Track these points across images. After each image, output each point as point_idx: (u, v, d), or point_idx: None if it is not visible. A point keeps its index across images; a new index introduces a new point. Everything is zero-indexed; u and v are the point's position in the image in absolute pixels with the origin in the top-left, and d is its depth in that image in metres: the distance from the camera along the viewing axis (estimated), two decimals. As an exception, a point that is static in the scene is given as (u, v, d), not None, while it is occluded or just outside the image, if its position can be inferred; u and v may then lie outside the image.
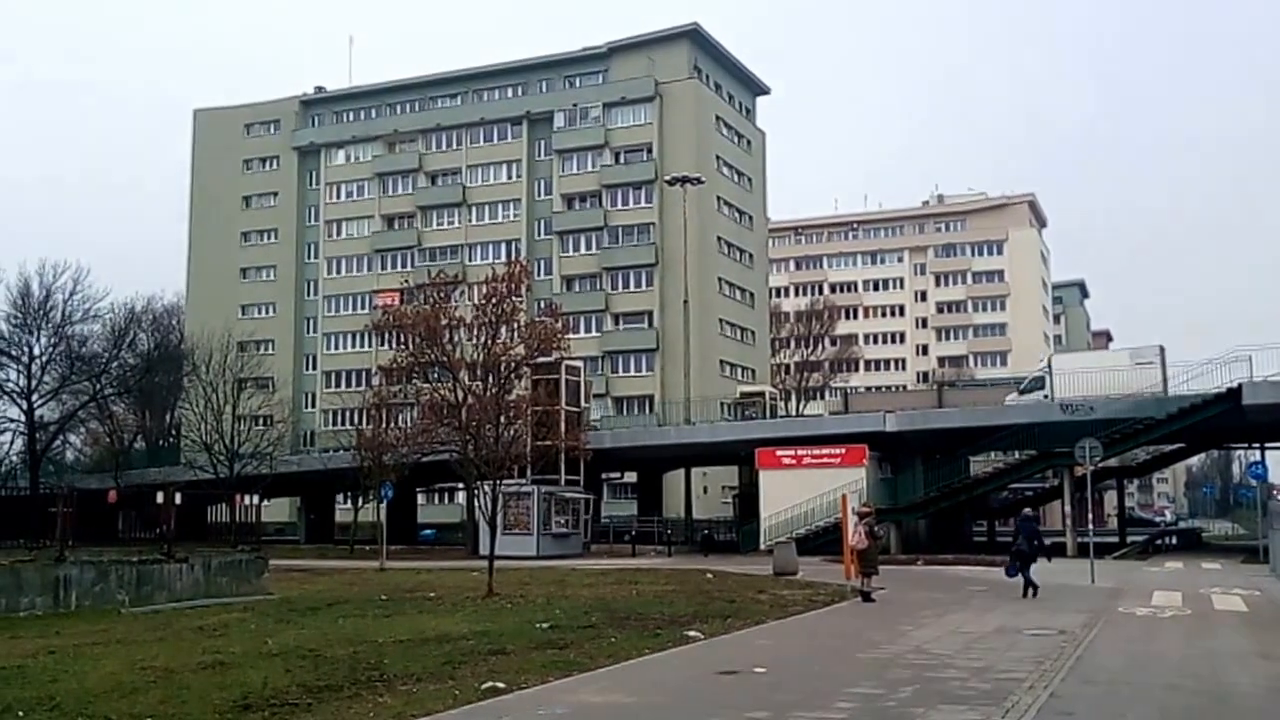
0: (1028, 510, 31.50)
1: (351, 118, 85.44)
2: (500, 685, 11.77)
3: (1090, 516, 33.20)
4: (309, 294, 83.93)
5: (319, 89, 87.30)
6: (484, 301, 42.01)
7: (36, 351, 57.96)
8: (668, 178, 63.63)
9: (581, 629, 17.01)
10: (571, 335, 51.83)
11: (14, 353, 57.98)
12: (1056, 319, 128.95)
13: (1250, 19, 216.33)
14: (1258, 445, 54.12)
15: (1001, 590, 24.75)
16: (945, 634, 16.45)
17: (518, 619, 18.66)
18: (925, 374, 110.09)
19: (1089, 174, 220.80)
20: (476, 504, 42.35)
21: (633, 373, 72.92)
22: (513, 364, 42.09)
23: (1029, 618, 18.61)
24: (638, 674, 12.89)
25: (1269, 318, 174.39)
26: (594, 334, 72.33)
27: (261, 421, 59.17)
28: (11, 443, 63.13)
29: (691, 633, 16.42)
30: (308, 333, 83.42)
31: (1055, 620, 18.04)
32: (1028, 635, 16.09)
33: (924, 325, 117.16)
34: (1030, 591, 22.61)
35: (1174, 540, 57.17)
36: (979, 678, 12.07)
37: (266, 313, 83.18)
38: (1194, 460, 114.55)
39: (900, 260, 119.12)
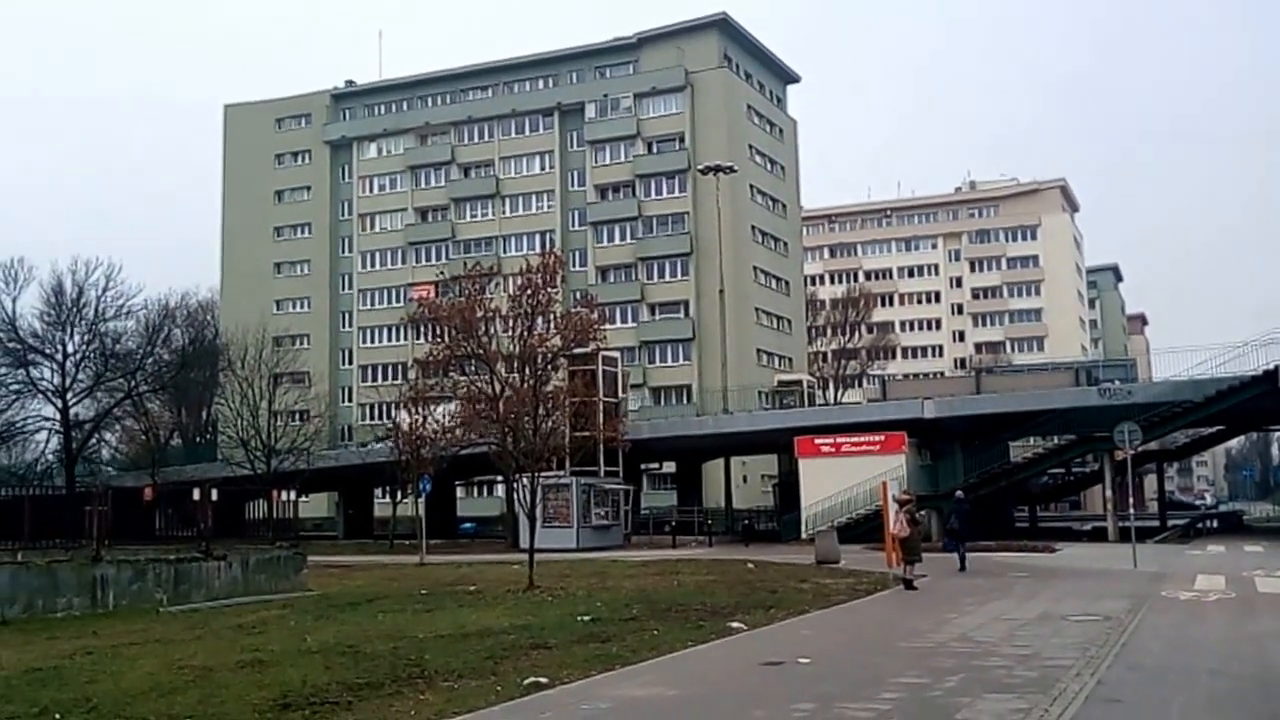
0: (960, 494, 33.59)
1: (382, 111, 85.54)
2: (543, 680, 11.69)
3: (1130, 501, 32.92)
4: (343, 288, 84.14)
5: (349, 83, 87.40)
6: (519, 293, 42.13)
7: (70, 349, 57.72)
8: (701, 166, 63.44)
9: (623, 621, 16.92)
10: (608, 326, 51.82)
11: (48, 351, 57.87)
12: (1091, 304, 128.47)
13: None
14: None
15: (1044, 576, 24.66)
16: (989, 621, 16.30)
17: (559, 612, 18.58)
18: (962, 360, 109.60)
19: (1119, 158, 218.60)
20: (515, 497, 42.61)
21: (670, 363, 72.81)
22: (549, 355, 42.17)
23: (1071, 604, 18.41)
24: (681, 666, 12.78)
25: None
26: (630, 324, 72.26)
27: (298, 417, 59.25)
28: (47, 441, 63.16)
29: (734, 624, 16.30)
30: (343, 327, 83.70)
31: (1099, 606, 17.86)
32: (1072, 621, 15.93)
33: (960, 311, 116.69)
34: (961, 566, 26.25)
35: (1215, 523, 56.53)
36: (1025, 665, 11.93)
37: (301, 307, 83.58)
38: (1233, 443, 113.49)
39: (934, 247, 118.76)
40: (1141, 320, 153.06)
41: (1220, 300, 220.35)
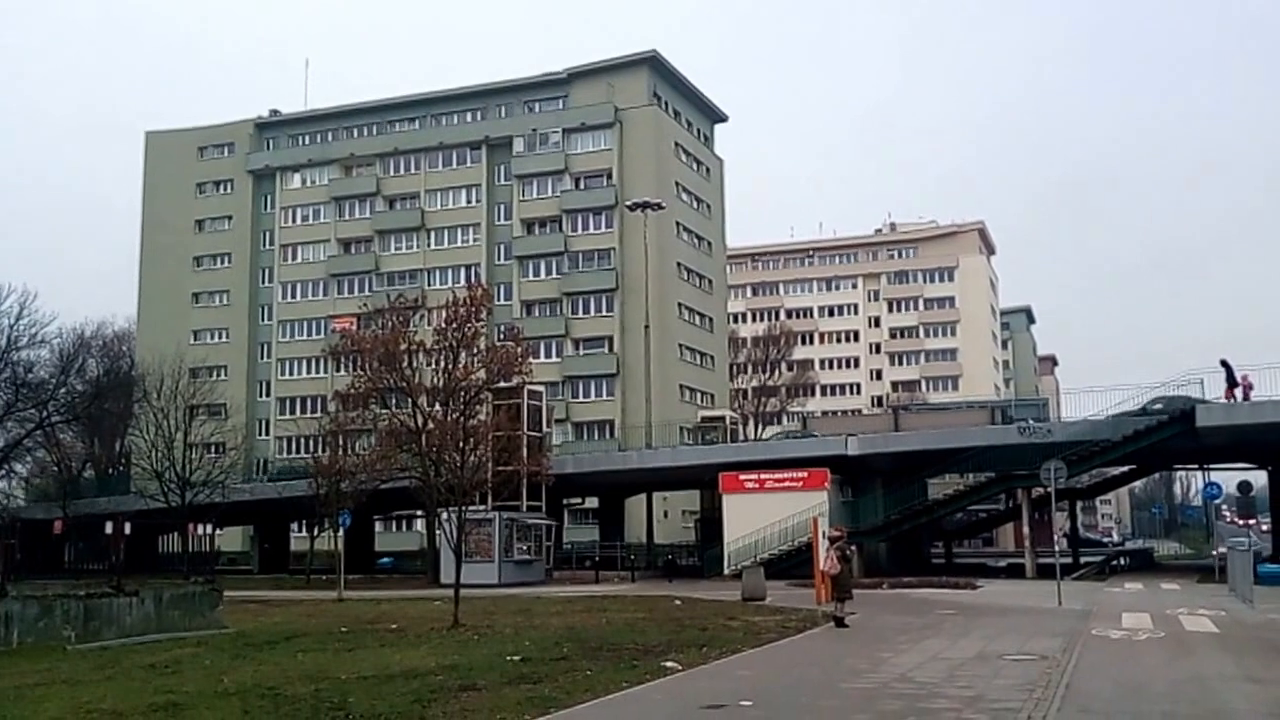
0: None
1: (307, 141, 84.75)
2: (475, 725, 11.34)
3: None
4: (263, 319, 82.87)
5: (274, 112, 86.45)
6: (444, 326, 41.74)
7: (-21, 378, 56.16)
8: (629, 203, 63.53)
9: (554, 661, 16.51)
10: (532, 360, 51.46)
11: (-45, 380, 56.17)
12: (1004, 344, 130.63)
13: (1194, 52, 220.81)
14: (1195, 466, 54.90)
15: (971, 613, 24.70)
16: (926, 660, 16.14)
17: (487, 651, 18.13)
18: (879, 398, 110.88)
19: (1034, 202, 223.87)
20: (438, 531, 42.02)
21: (593, 398, 72.54)
22: (474, 389, 41.80)
23: (1005, 642, 18.38)
24: (620, 710, 12.42)
25: (1212, 343, 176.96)
26: (554, 359, 71.94)
27: (214, 449, 58.08)
28: (-47, 472, 61.20)
29: (669, 663, 15.98)
30: (261, 358, 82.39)
31: (1032, 644, 17.83)
32: (1009, 660, 15.84)
33: (878, 350, 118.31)
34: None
35: (1127, 561, 57.47)
36: (973, 708, 11.75)
37: (219, 338, 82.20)
38: (1137, 482, 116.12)
39: (854, 287, 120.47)
40: (1052, 361, 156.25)
41: (1123, 345, 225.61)
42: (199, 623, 23.05)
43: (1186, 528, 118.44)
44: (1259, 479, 56.71)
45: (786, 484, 43.90)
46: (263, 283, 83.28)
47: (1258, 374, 38.95)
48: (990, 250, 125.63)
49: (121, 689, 14.53)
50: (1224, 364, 39.42)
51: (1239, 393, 38.76)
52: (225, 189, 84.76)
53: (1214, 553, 45.47)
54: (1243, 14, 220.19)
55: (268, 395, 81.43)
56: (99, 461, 75.40)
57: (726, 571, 42.64)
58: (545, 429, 49.97)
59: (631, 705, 12.74)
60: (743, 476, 45.24)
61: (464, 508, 25.95)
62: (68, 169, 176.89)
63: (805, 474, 43.90)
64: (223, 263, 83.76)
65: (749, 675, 15.04)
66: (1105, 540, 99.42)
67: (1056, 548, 29.38)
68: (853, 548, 25.27)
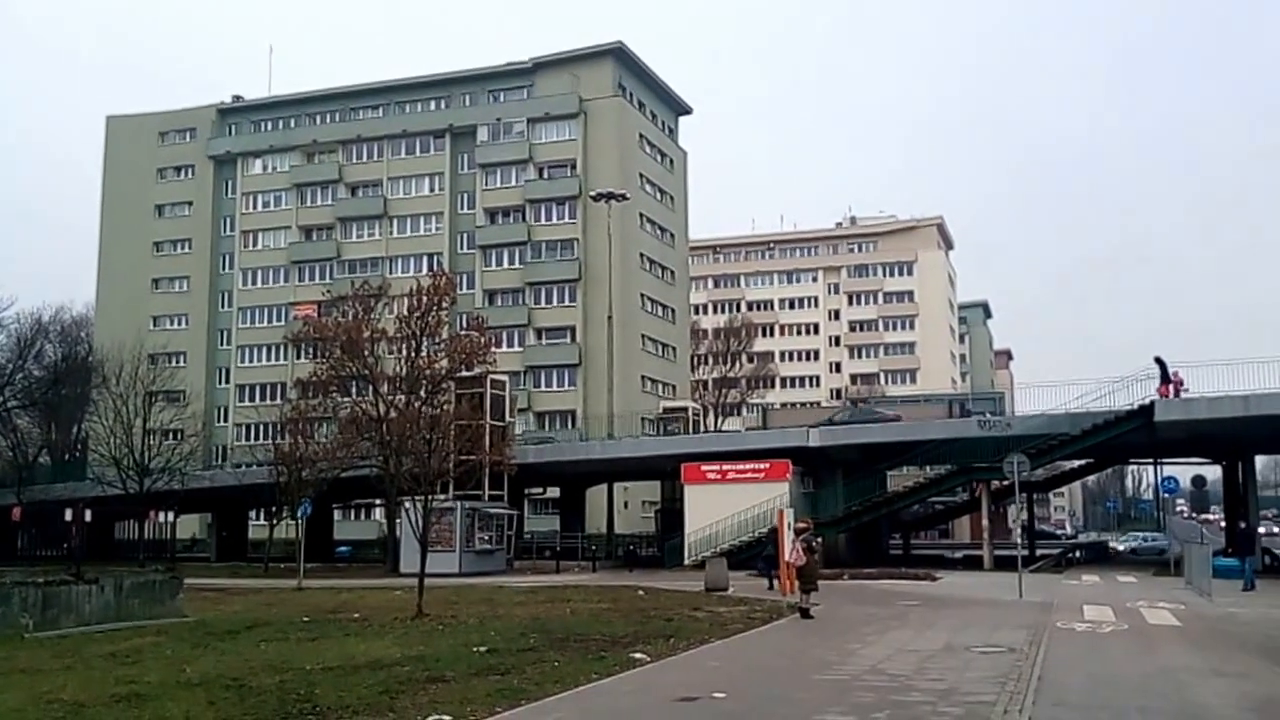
0: (775, 524, 35.41)
1: (270, 127, 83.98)
2: (446, 718, 11.20)
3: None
4: (223, 305, 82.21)
5: (236, 98, 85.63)
6: (408, 314, 41.41)
7: (-65, 363, 55.53)
8: (593, 193, 63.34)
9: (521, 652, 16.40)
10: (494, 350, 51.23)
11: (-89, 364, 55.51)
12: (961, 338, 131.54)
13: (1151, 52, 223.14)
14: (1150, 461, 55.54)
15: (934, 605, 24.86)
16: (895, 652, 16.16)
17: (452, 641, 18.00)
18: (838, 391, 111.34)
19: (991, 196, 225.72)
20: (398, 521, 41.75)
21: (555, 388, 72.43)
22: (436, 378, 41.53)
23: (971, 634, 18.47)
24: (593, 702, 12.32)
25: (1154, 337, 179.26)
26: (517, 349, 71.64)
27: (172, 436, 57.49)
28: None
29: (637, 654, 15.93)
30: (221, 345, 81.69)
31: (998, 636, 17.93)
32: (977, 653, 15.90)
33: (837, 343, 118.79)
34: (771, 584, 29.91)
35: (1083, 554, 58.06)
36: (947, 701, 11.76)
37: (178, 324, 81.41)
38: (1090, 476, 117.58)
39: (814, 280, 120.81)
40: (1008, 355, 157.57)
41: (1074, 340, 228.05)
42: (159, 611, 22.75)
43: (1138, 521, 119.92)
44: (1212, 474, 57.41)
45: (748, 475, 43.98)
46: (223, 269, 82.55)
47: (1195, 369, 39.39)
48: (949, 245, 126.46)
49: (82, 678, 14.29)
50: (1159, 361, 39.83)
51: (1171, 389, 39.21)
52: (186, 174, 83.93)
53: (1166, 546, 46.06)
54: (1194, 7, 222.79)
55: (227, 382, 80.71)
56: (55, 448, 74.53)
57: (687, 562, 42.68)
58: (509, 418, 49.76)
59: (603, 697, 12.64)
60: (705, 467, 45.28)
61: (430, 497, 25.78)
62: (27, 152, 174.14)
63: (767, 465, 44.00)
64: (183, 248, 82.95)
65: (719, 667, 15.02)
66: (1059, 533, 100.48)
67: (1018, 540, 29.51)
68: (819, 539, 25.30)
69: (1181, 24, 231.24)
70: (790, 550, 22.36)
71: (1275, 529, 73.74)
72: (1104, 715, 11.46)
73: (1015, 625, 19.71)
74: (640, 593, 28.95)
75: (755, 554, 37.61)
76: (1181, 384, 39.22)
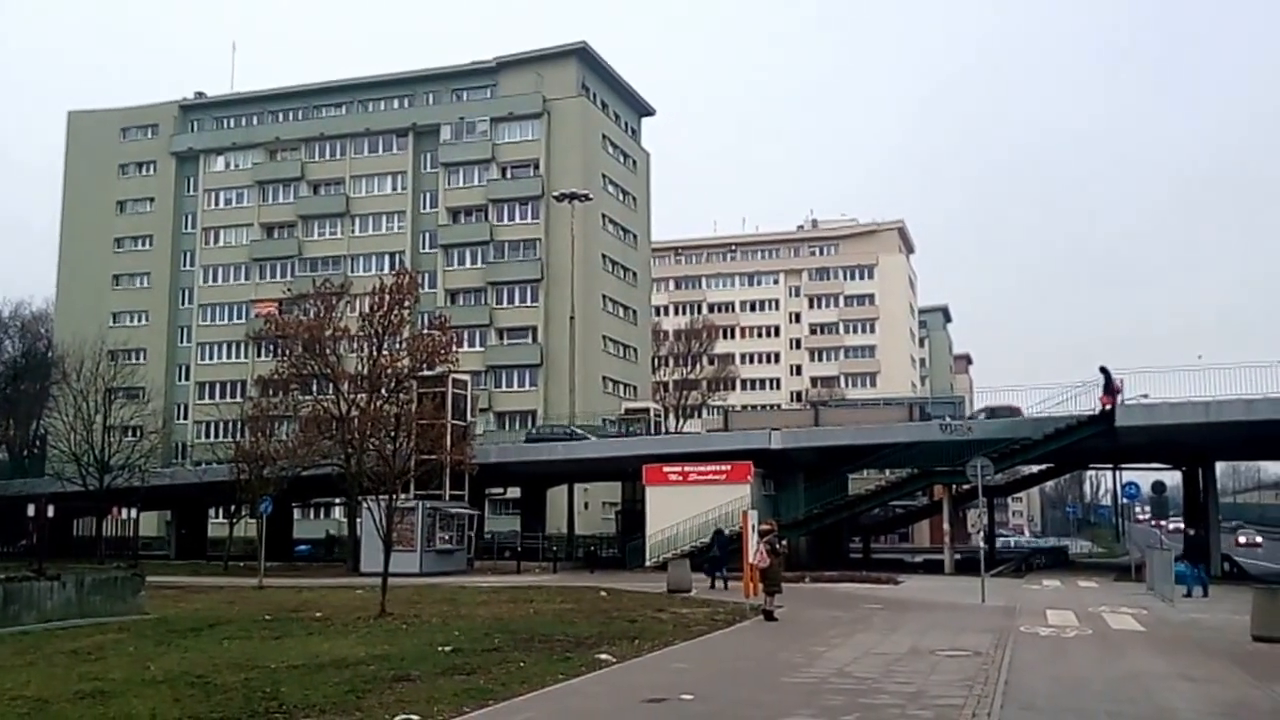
0: (720, 527, 37.75)
1: (232, 124, 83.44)
2: (414, 717, 11.16)
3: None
4: (183, 303, 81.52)
5: (199, 94, 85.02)
6: (370, 312, 41.22)
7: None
8: (555, 194, 63.31)
9: (486, 652, 16.39)
10: (456, 349, 51.06)
11: None
12: (921, 342, 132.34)
13: (1110, 57, 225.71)
14: (1109, 466, 56.12)
15: (897, 608, 24.99)
16: (861, 655, 16.24)
17: (417, 641, 17.96)
18: (799, 394, 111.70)
19: (951, 201, 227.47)
20: (360, 520, 41.51)
21: (516, 388, 72.27)
22: (398, 377, 41.36)
23: (936, 637, 18.58)
24: (561, 703, 12.30)
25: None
26: (478, 348, 71.41)
27: (132, 433, 56.93)
28: None
29: (602, 655, 15.95)
30: (181, 342, 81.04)
31: (963, 640, 18.04)
32: (944, 656, 15.98)
33: (798, 346, 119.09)
34: (723, 584, 31.13)
35: (1043, 559, 58.61)
36: (916, 704, 11.82)
37: (139, 321, 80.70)
38: (1048, 482, 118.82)
39: (776, 282, 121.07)
40: (967, 360, 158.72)
41: (1034, 346, 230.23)
42: (120, 608, 22.57)
43: (1097, 526, 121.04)
44: (1171, 479, 58.04)
45: (710, 477, 44.01)
46: (184, 266, 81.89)
47: (1157, 375, 39.93)
48: (909, 249, 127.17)
49: (45, 675, 14.17)
50: (1103, 371, 40.26)
51: (1113, 400, 39.68)
52: (148, 170, 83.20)
53: (1127, 552, 46.55)
54: (1156, 14, 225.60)
55: (187, 379, 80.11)
56: (14, 443, 73.66)
57: (649, 563, 42.71)
58: (471, 418, 49.61)
59: (572, 698, 12.63)
60: (666, 469, 45.29)
61: (394, 496, 25.67)
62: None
63: (729, 467, 44.07)
64: (144, 245, 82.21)
65: (685, 668, 15.04)
66: (1018, 538, 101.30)
67: (981, 545, 29.71)
68: (783, 542, 25.38)
69: (1144, 28, 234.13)
70: (754, 552, 22.39)
71: (1257, 538, 73.57)
72: (1072, 719, 11.53)
73: (979, 629, 19.84)
74: (603, 594, 28.98)
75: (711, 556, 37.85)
76: (1119, 391, 39.58)
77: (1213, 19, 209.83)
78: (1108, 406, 39.31)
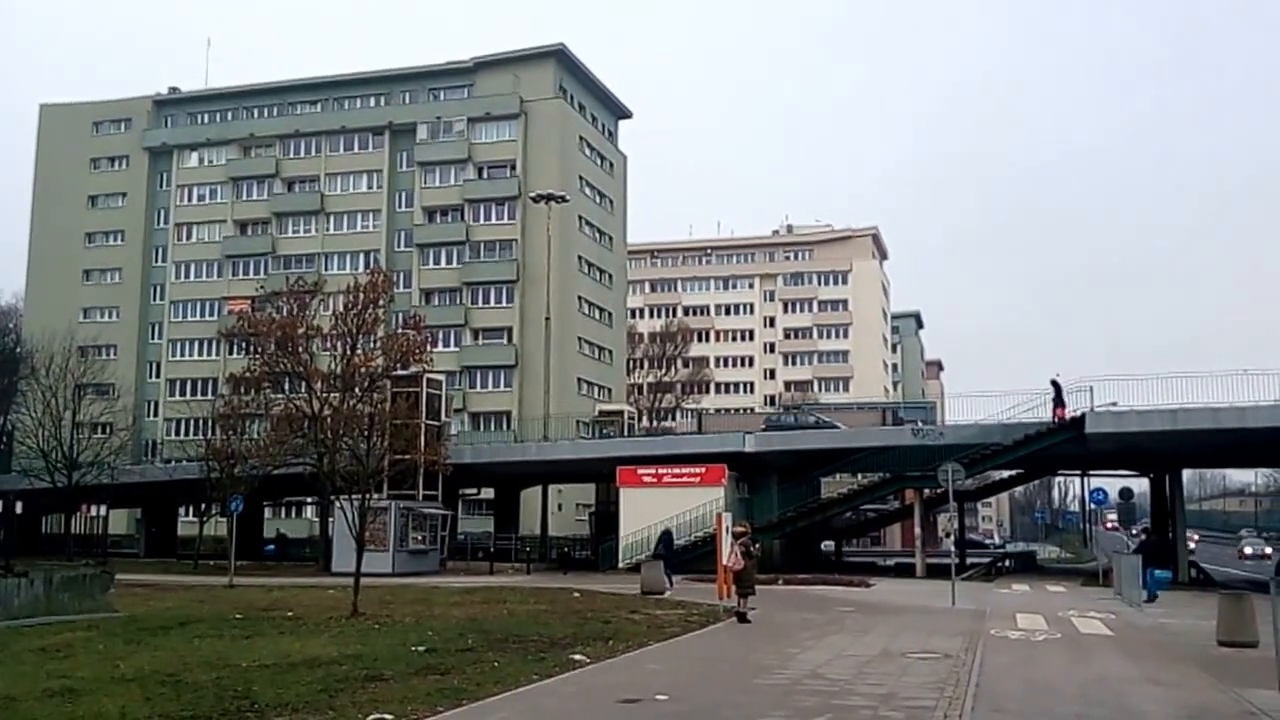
0: (668, 527, 38.96)
1: (206, 119, 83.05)
2: (387, 717, 11.14)
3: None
4: (155, 299, 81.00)
5: (173, 89, 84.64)
6: (344, 311, 41.00)
7: None
8: (532, 194, 63.23)
9: (460, 652, 16.38)
10: (431, 349, 50.91)
11: None
12: (894, 348, 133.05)
13: (1092, 68, 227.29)
14: (1078, 472, 56.52)
15: (869, 611, 25.09)
16: (834, 657, 16.30)
17: (389, 641, 17.92)
18: (772, 397, 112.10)
19: (923, 208, 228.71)
20: (332, 519, 41.29)
21: (491, 388, 72.16)
22: (372, 376, 41.15)
23: (907, 640, 18.65)
24: (534, 703, 12.32)
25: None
26: (453, 348, 71.23)
27: (102, 429, 56.48)
28: None
29: (576, 656, 15.96)
30: (152, 339, 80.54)
31: (934, 643, 18.10)
32: (915, 659, 16.05)
33: (772, 350, 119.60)
34: (670, 582, 31.00)
35: (1012, 563, 58.86)
36: (888, 705, 11.88)
37: (109, 316, 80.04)
38: (1017, 487, 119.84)
39: (751, 286, 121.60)
40: (939, 366, 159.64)
41: (1010, 350, 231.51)
42: (89, 606, 22.39)
43: (1065, 531, 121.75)
44: (1139, 486, 58.44)
45: (684, 479, 44.02)
46: (156, 262, 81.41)
47: (1126, 383, 40.13)
48: (883, 255, 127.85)
49: (13, 673, 14.07)
50: (1054, 384, 40.64)
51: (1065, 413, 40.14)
52: (120, 165, 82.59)
53: (1094, 558, 46.78)
54: (1136, 27, 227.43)
55: (158, 376, 79.60)
56: (-21, 440, 73.04)
57: (622, 565, 42.66)
58: (445, 418, 49.50)
59: (546, 698, 12.64)
60: (640, 471, 45.26)
61: (368, 496, 25.57)
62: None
63: (703, 470, 44.07)
64: (116, 240, 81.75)
65: (660, 670, 15.06)
66: (987, 542, 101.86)
67: (951, 549, 29.84)
68: (757, 545, 25.45)
69: (1127, 39, 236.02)
70: (729, 555, 22.42)
71: (1267, 549, 73.30)
72: (1042, 721, 11.63)
73: (950, 632, 19.93)
74: (576, 595, 28.98)
75: (693, 557, 37.98)
76: (1064, 405, 40.10)
77: (1182, 38, 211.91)
78: (1060, 419, 39.82)
